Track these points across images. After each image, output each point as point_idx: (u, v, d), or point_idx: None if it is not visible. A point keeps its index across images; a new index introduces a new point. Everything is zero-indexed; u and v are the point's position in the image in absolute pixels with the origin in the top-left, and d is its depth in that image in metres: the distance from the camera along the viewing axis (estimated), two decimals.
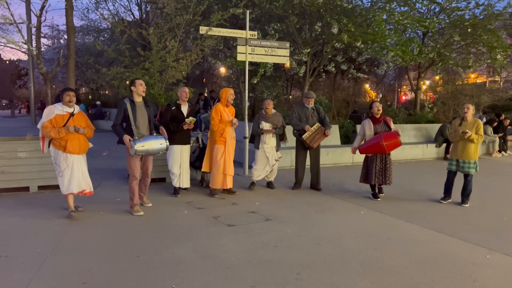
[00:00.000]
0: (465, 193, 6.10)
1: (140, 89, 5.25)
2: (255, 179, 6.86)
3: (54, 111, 4.91)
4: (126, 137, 5.07)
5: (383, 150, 6.05)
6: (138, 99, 5.32)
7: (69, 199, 5.12)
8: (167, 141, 5.28)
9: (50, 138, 4.93)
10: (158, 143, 5.15)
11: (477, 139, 5.84)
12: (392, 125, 6.31)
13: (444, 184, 6.30)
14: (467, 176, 6.04)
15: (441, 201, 6.25)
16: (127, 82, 9.97)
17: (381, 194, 6.58)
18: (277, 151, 6.85)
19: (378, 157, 6.22)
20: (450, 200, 6.26)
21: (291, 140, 7.40)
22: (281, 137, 6.94)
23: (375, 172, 6.21)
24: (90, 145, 5.27)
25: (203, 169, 6.52)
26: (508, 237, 4.69)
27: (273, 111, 6.87)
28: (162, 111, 6.28)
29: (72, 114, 4.97)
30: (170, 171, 6.31)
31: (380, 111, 6.35)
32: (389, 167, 6.25)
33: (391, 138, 5.98)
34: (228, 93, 6.28)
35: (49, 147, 5.01)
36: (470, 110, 5.96)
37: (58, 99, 5.17)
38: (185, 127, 6.09)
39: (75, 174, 5.01)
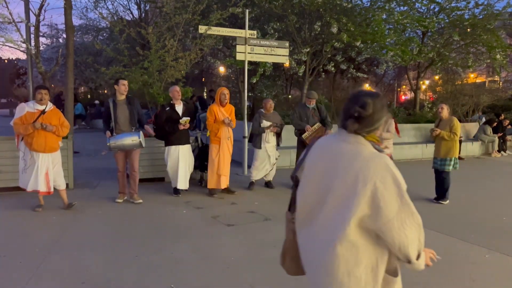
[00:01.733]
0: (442, 190, 6.15)
1: (122, 88, 5.65)
2: (254, 179, 6.84)
3: (25, 108, 5.00)
4: (107, 133, 5.55)
5: None
6: (120, 98, 5.67)
7: (39, 196, 5.29)
8: (141, 138, 5.52)
9: (20, 134, 5.03)
10: (130, 140, 5.49)
11: (448, 136, 5.96)
12: (385, 125, 6.38)
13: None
14: (442, 172, 6.10)
15: (434, 200, 6.25)
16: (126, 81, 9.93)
17: None
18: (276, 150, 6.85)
19: None
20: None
21: (292, 140, 7.39)
22: (277, 136, 6.92)
23: None
24: (60, 144, 5.31)
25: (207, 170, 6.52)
26: (507, 237, 4.68)
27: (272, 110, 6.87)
28: (157, 112, 6.26)
29: (43, 112, 5.01)
30: (168, 172, 6.30)
31: None
32: None
33: None
34: (220, 93, 6.27)
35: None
36: (444, 110, 6.19)
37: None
38: (181, 127, 6.06)
39: (40, 173, 5.07)
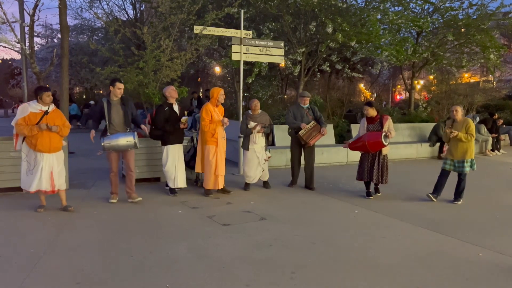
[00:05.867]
0: (458, 191, 6.17)
1: (117, 92, 5.61)
2: (250, 183, 6.84)
3: (28, 109, 4.98)
4: (91, 133, 5.56)
5: (366, 149, 6.19)
6: (115, 98, 5.64)
7: (40, 195, 5.29)
8: (136, 139, 5.50)
9: (23, 136, 4.99)
10: (125, 140, 5.46)
11: (465, 137, 5.91)
12: (387, 125, 6.25)
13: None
14: (460, 174, 6.09)
15: (429, 194, 6.23)
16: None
17: (377, 194, 6.61)
18: (265, 150, 6.84)
19: (370, 154, 6.29)
20: (437, 197, 6.26)
21: (286, 139, 7.41)
22: (266, 137, 6.91)
23: (367, 169, 6.31)
24: (64, 143, 5.33)
25: (196, 170, 6.51)
26: (500, 235, 4.73)
27: (259, 110, 6.85)
28: (154, 113, 6.20)
29: (46, 112, 5.03)
30: (165, 171, 6.28)
31: (370, 113, 6.33)
32: (383, 165, 6.28)
33: (374, 137, 6.08)
34: (220, 93, 6.24)
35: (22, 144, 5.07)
36: (459, 112, 6.08)
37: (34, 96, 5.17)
38: (182, 126, 6.16)
39: (44, 173, 5.06)
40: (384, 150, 6.28)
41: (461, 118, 6.08)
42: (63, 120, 5.24)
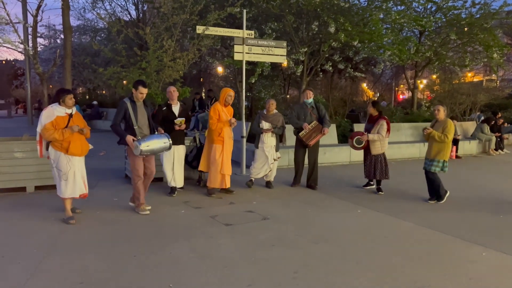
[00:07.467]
0: (431, 189, 6.19)
1: (138, 96, 5.19)
2: (254, 177, 6.89)
3: (54, 112, 4.79)
4: (130, 138, 5.04)
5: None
6: (137, 100, 5.32)
7: (67, 204, 4.97)
8: (170, 140, 5.26)
9: (51, 140, 4.78)
10: (162, 142, 5.16)
11: (439, 136, 5.93)
12: (376, 127, 6.55)
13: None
14: (428, 173, 6.13)
15: (429, 201, 6.23)
16: (125, 82, 9.94)
17: (380, 193, 6.65)
18: (276, 151, 6.86)
19: (364, 153, 6.81)
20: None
21: (291, 139, 7.45)
22: (280, 138, 6.94)
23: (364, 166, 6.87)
24: (90, 146, 5.20)
25: (200, 168, 6.51)
26: (504, 235, 4.71)
27: (275, 111, 6.89)
28: (154, 112, 6.20)
29: (71, 115, 4.90)
30: (164, 171, 6.31)
31: (370, 112, 6.81)
32: (376, 162, 6.60)
33: (352, 136, 6.78)
34: (227, 94, 6.26)
35: (47, 149, 4.87)
36: (441, 112, 6.13)
37: (54, 99, 5.03)
38: (176, 128, 6.01)
39: (77, 177, 4.94)
40: (374, 150, 6.56)
41: (443, 118, 6.10)
42: (84, 123, 5.13)
